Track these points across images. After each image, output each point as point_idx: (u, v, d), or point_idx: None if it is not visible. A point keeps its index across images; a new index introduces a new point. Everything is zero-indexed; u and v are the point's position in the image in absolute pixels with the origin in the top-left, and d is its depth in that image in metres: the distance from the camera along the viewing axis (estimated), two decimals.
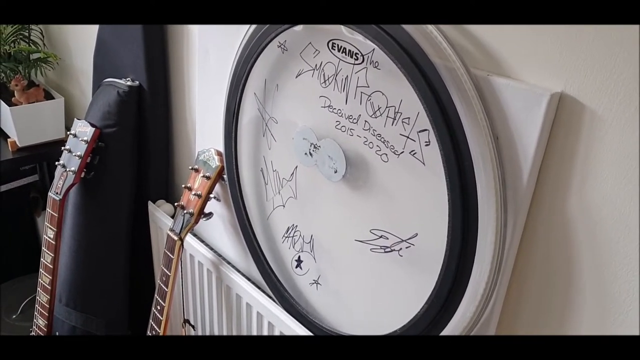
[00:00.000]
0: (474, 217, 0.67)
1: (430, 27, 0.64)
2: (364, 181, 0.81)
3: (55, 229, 1.26)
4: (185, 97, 1.24)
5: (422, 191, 0.73)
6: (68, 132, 1.26)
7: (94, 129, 1.22)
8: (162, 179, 1.37)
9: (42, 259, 1.30)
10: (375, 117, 0.76)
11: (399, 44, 0.67)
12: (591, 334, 0.66)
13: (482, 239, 0.67)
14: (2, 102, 1.56)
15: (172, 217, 1.24)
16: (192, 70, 1.19)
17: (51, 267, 1.28)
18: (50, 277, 1.29)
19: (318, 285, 0.95)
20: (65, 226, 1.33)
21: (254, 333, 1.07)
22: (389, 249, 0.80)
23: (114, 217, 1.31)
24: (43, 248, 1.28)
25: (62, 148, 1.26)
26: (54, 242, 1.26)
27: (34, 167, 1.86)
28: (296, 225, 0.96)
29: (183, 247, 1.06)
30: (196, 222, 1.05)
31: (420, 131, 0.71)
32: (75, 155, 1.22)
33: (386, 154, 0.76)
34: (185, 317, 1.30)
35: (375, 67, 0.74)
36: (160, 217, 1.27)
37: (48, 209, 1.26)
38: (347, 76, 0.78)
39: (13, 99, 1.57)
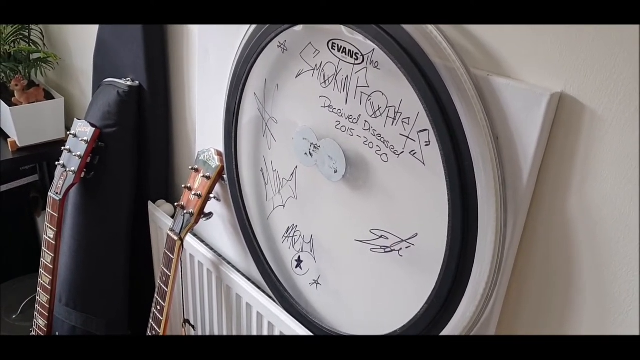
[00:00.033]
0: (474, 217, 0.67)
1: (430, 27, 0.64)
2: (364, 181, 0.81)
3: (55, 229, 1.26)
4: (185, 97, 1.24)
5: (422, 191, 0.73)
6: (68, 132, 1.26)
7: (94, 129, 1.22)
8: (162, 179, 1.37)
9: (42, 259, 1.30)
10: (375, 117, 0.76)
11: (399, 44, 0.67)
12: (591, 334, 0.66)
13: (482, 239, 0.67)
14: (2, 102, 1.56)
15: (172, 217, 1.24)
16: (192, 70, 1.19)
17: (51, 267, 1.28)
18: (50, 277, 1.29)
19: (318, 285, 0.95)
20: (65, 226, 1.33)
21: (254, 333, 1.07)
22: (389, 249, 0.80)
23: (114, 217, 1.31)
24: (43, 248, 1.28)
25: (62, 148, 1.26)
26: (54, 242, 1.26)
27: (34, 167, 1.86)
28: (296, 225, 0.96)
29: (183, 247, 1.06)
30: (196, 222, 1.05)
31: (420, 131, 0.71)
32: (75, 155, 1.22)
33: (386, 154, 0.76)
34: (185, 317, 1.30)
35: (375, 67, 0.74)
36: (160, 217, 1.27)
37: (48, 209, 1.26)
38: (347, 76, 0.78)
39: (13, 99, 1.57)
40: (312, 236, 0.93)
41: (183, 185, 1.07)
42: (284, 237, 0.99)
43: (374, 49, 0.73)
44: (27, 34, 1.71)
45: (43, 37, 1.77)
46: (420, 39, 0.65)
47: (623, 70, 0.55)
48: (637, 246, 0.59)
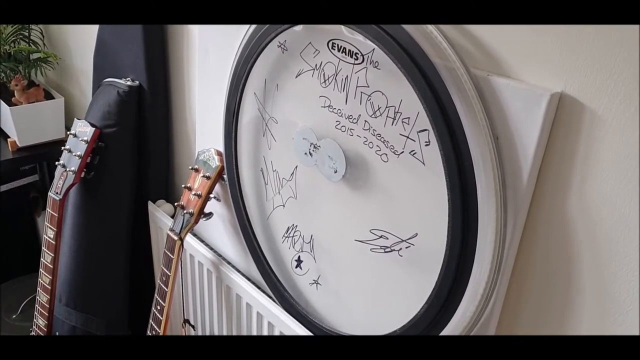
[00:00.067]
0: (474, 217, 0.67)
1: (430, 27, 0.64)
2: (364, 181, 0.81)
3: (55, 229, 1.26)
4: (185, 97, 1.24)
5: (422, 191, 0.73)
6: (68, 132, 1.26)
7: (94, 129, 1.22)
8: (162, 179, 1.37)
9: (42, 259, 1.30)
10: (375, 117, 0.76)
11: (399, 44, 0.67)
12: (591, 334, 0.66)
13: (482, 239, 0.67)
14: (2, 102, 1.56)
15: (172, 217, 1.24)
16: (192, 70, 1.19)
17: (51, 267, 1.28)
18: (50, 277, 1.29)
19: (318, 285, 0.95)
20: (65, 226, 1.33)
21: (254, 333, 1.07)
22: (389, 249, 0.80)
23: (114, 217, 1.32)
24: (43, 248, 1.28)
25: (62, 148, 1.26)
26: (54, 242, 1.26)
27: (34, 167, 1.86)
28: (296, 225, 0.96)
29: (183, 247, 1.06)
30: (196, 222, 1.05)
31: (420, 131, 0.71)
32: (75, 155, 1.22)
33: (386, 154, 0.76)
34: (185, 317, 1.30)
35: (375, 67, 0.74)
36: (160, 217, 1.27)
37: (48, 209, 1.26)
38: (347, 76, 0.78)
39: (13, 99, 1.57)
40: (312, 236, 0.93)
41: (183, 185, 1.07)
42: (284, 237, 0.99)
43: (374, 49, 0.73)
44: (27, 34, 1.71)
45: (43, 37, 1.77)
46: (420, 39, 0.65)
47: (623, 70, 0.55)
48: (637, 246, 0.59)
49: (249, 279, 1.08)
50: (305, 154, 0.89)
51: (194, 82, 1.19)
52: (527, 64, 0.62)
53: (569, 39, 0.58)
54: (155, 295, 1.12)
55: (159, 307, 1.11)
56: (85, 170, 1.23)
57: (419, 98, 0.67)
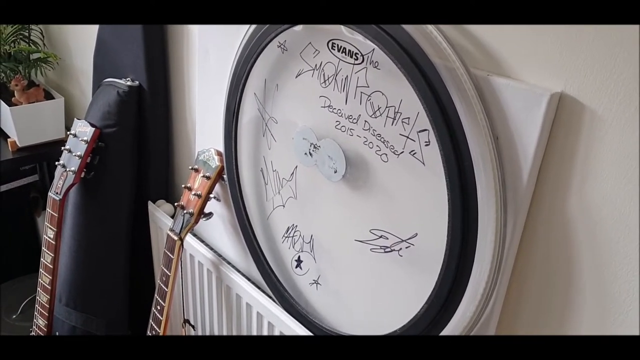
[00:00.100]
0: (474, 217, 0.67)
1: (430, 27, 0.64)
2: (363, 181, 0.81)
3: (55, 229, 1.26)
4: (185, 97, 1.24)
5: (422, 191, 0.73)
6: (68, 132, 1.26)
7: (94, 129, 1.22)
8: (162, 179, 1.37)
9: (42, 259, 1.30)
10: (375, 117, 0.76)
11: (399, 44, 0.67)
12: (591, 334, 0.66)
13: (482, 238, 0.67)
14: (2, 102, 1.56)
15: (172, 217, 1.24)
16: (192, 70, 1.19)
17: (51, 267, 1.28)
18: (50, 277, 1.29)
19: (318, 285, 0.95)
20: (65, 226, 1.33)
21: (254, 333, 1.07)
22: (388, 249, 0.80)
23: (114, 217, 1.32)
24: (43, 248, 1.28)
25: (62, 148, 1.26)
26: (54, 242, 1.26)
27: (34, 167, 1.86)
28: (296, 225, 0.96)
29: (183, 247, 1.06)
30: (196, 222, 1.05)
31: (420, 131, 0.71)
32: (75, 155, 1.22)
33: (386, 154, 0.76)
34: (185, 317, 1.30)
35: (375, 67, 0.74)
36: (160, 217, 1.27)
37: (48, 209, 1.26)
38: (347, 76, 0.78)
39: (13, 99, 1.57)
40: (312, 236, 0.93)
41: (183, 185, 1.07)
42: (284, 237, 0.99)
43: (374, 49, 0.73)
44: (27, 34, 1.71)
45: (43, 37, 1.77)
46: (420, 39, 0.65)
47: (623, 70, 0.55)
48: (637, 246, 0.59)
49: (249, 279, 1.08)
50: (305, 154, 0.89)
51: (194, 82, 1.19)
52: (527, 64, 0.62)
53: (569, 39, 0.58)
54: (155, 295, 1.12)
55: (159, 307, 1.11)
56: (85, 170, 1.23)
57: (419, 98, 0.67)
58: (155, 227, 1.31)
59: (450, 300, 0.72)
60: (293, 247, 0.98)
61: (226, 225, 1.14)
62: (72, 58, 1.71)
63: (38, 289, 1.33)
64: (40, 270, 1.30)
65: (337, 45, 0.78)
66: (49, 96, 1.63)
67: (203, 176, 1.05)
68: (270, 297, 1.03)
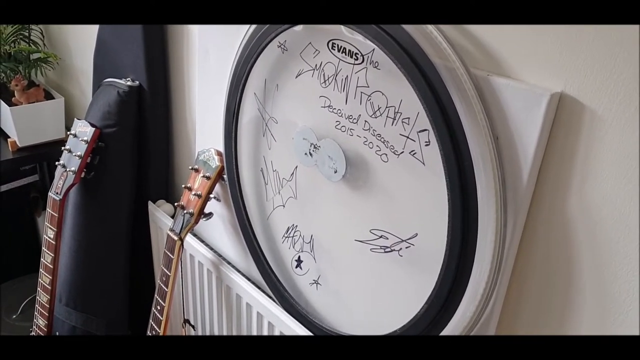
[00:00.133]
0: (474, 217, 0.67)
1: (430, 27, 0.64)
2: (364, 181, 0.81)
3: (55, 229, 1.26)
4: (185, 97, 1.24)
5: (422, 191, 0.73)
6: (68, 132, 1.26)
7: (94, 129, 1.22)
8: (162, 179, 1.37)
9: (42, 259, 1.30)
10: (375, 117, 0.76)
11: (399, 44, 0.67)
12: (591, 334, 0.66)
13: (482, 239, 0.67)
14: (2, 102, 1.56)
15: (172, 217, 1.24)
16: (192, 70, 1.19)
17: (51, 267, 1.28)
18: (51, 277, 1.29)
19: (318, 285, 0.95)
20: (66, 226, 1.33)
21: (254, 333, 1.07)
22: (389, 249, 0.80)
23: (114, 217, 1.32)
24: (43, 248, 1.28)
25: (62, 148, 1.26)
26: (54, 242, 1.26)
27: (34, 167, 1.86)
28: (296, 225, 0.96)
29: (183, 247, 1.06)
30: (196, 222, 1.05)
31: (420, 131, 0.71)
32: (75, 155, 1.22)
33: (386, 154, 0.76)
34: (185, 317, 1.30)
35: (375, 67, 0.74)
36: (160, 217, 1.27)
37: (48, 209, 1.26)
38: (347, 76, 0.78)
39: (13, 99, 1.57)
40: (312, 236, 0.93)
41: (183, 185, 1.07)
42: (284, 237, 0.99)
43: (374, 49, 0.73)
44: (27, 34, 1.71)
45: (43, 37, 1.77)
46: (420, 39, 0.65)
47: (623, 70, 0.55)
48: (637, 246, 0.59)
49: (249, 279, 1.08)
50: (305, 154, 0.89)
51: (194, 82, 1.19)
52: (527, 64, 0.62)
53: (569, 39, 0.58)
54: (155, 295, 1.12)
55: (159, 307, 1.11)
56: (85, 170, 1.23)
57: (419, 98, 0.67)
58: (155, 227, 1.31)
59: (450, 300, 0.72)
60: (293, 247, 0.98)
61: (226, 225, 1.14)
62: (72, 58, 1.71)
63: (38, 289, 1.33)
64: (41, 270, 1.30)
65: (337, 45, 0.78)
66: (49, 96, 1.63)
67: (203, 176, 1.05)
68: (270, 297, 1.03)
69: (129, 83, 1.24)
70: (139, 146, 1.30)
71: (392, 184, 0.77)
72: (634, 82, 0.55)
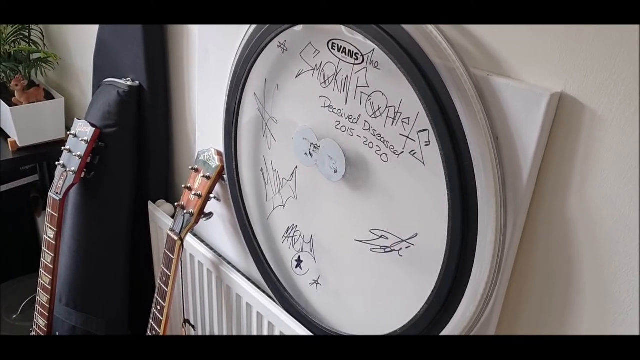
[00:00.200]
0: (474, 217, 0.67)
1: (430, 27, 0.64)
2: (364, 181, 0.81)
3: (55, 229, 1.26)
4: (185, 97, 1.24)
5: (422, 191, 0.73)
6: (68, 132, 1.26)
7: (94, 129, 1.22)
8: (162, 179, 1.37)
9: (42, 259, 1.30)
10: (375, 117, 0.76)
11: (399, 44, 0.67)
12: (591, 334, 0.66)
13: (482, 239, 0.67)
14: (2, 102, 1.56)
15: (172, 217, 1.24)
16: (192, 70, 1.19)
17: (51, 267, 1.28)
18: (51, 277, 1.29)
19: (318, 285, 0.95)
20: (66, 226, 1.33)
21: (254, 333, 1.07)
22: (389, 249, 0.80)
23: (114, 217, 1.32)
24: (43, 248, 1.29)
25: (62, 148, 1.26)
26: (54, 242, 1.26)
27: (34, 167, 1.86)
28: (296, 225, 0.96)
29: (183, 247, 1.06)
30: (196, 222, 1.05)
31: (420, 131, 0.71)
32: (75, 155, 1.22)
33: (386, 154, 0.76)
34: (185, 317, 1.30)
35: (375, 67, 0.74)
36: (161, 217, 1.27)
37: (48, 209, 1.26)
38: (347, 76, 0.78)
39: (13, 99, 1.57)
40: (312, 236, 0.93)
41: (183, 185, 1.07)
42: (284, 237, 0.99)
43: (374, 49, 0.73)
44: (27, 34, 1.71)
45: (43, 37, 1.77)
46: (420, 39, 0.65)
47: (623, 70, 0.55)
48: (637, 246, 0.59)
49: (249, 279, 1.08)
50: (305, 154, 0.89)
51: (194, 82, 1.19)
52: (527, 64, 0.62)
53: (569, 39, 0.58)
54: (156, 295, 1.12)
55: (159, 307, 1.11)
56: (85, 170, 1.23)
57: (419, 98, 0.67)
58: (156, 227, 1.31)
59: (451, 300, 0.72)
60: (293, 247, 0.98)
61: (226, 225, 1.14)
62: (72, 58, 1.71)
63: (38, 289, 1.33)
64: (41, 270, 1.30)
65: (337, 45, 0.78)
66: (49, 96, 1.63)
67: (203, 176, 1.05)
68: (270, 297, 1.03)
69: (129, 83, 1.24)
70: (139, 146, 1.30)
71: (392, 184, 0.77)
72: (634, 82, 0.55)
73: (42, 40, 1.76)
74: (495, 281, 0.68)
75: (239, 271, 1.11)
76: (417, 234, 0.76)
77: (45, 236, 1.28)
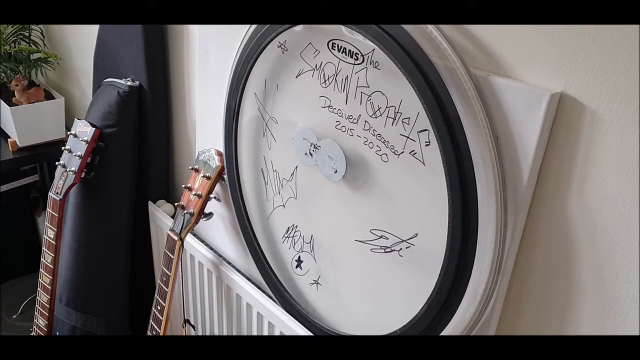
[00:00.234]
0: (474, 217, 0.67)
1: (430, 27, 0.64)
2: (364, 181, 0.81)
3: (55, 229, 1.26)
4: (185, 97, 1.24)
5: (422, 191, 0.73)
6: (68, 132, 1.26)
7: (94, 129, 1.22)
8: (162, 179, 1.37)
9: (42, 259, 1.30)
10: (375, 117, 0.76)
11: (399, 44, 0.67)
12: (591, 334, 0.66)
13: (482, 239, 0.67)
14: (2, 102, 1.56)
15: (173, 217, 1.24)
16: (192, 70, 1.19)
17: (51, 267, 1.28)
18: (51, 277, 1.29)
19: (318, 285, 0.95)
20: (66, 226, 1.33)
21: (254, 333, 1.07)
22: (389, 249, 0.80)
23: (114, 217, 1.32)
24: (43, 248, 1.29)
25: (63, 148, 1.26)
26: (54, 242, 1.26)
27: (34, 167, 1.86)
28: (296, 226, 0.96)
29: (183, 247, 1.06)
30: (196, 222, 1.05)
31: (420, 131, 0.71)
32: (75, 155, 1.22)
33: (386, 154, 0.76)
34: (186, 317, 1.30)
35: (375, 67, 0.74)
36: (161, 217, 1.27)
37: (48, 209, 1.26)
38: (347, 76, 0.78)
39: (13, 99, 1.57)
40: (312, 236, 0.93)
41: (183, 185, 1.07)
42: (284, 237, 0.99)
43: (374, 49, 0.73)
44: (27, 34, 1.71)
45: (43, 37, 1.77)
46: (420, 39, 0.65)
47: (623, 70, 0.55)
48: (637, 246, 0.59)
49: (249, 279, 1.08)
50: (306, 154, 0.89)
51: (194, 82, 1.19)
52: (527, 64, 0.62)
53: (569, 39, 0.58)
54: (156, 295, 1.12)
55: (159, 307, 1.11)
56: (85, 170, 1.23)
57: (419, 98, 0.67)
58: (156, 227, 1.31)
59: (451, 300, 0.72)
60: (293, 247, 0.98)
61: (226, 226, 1.14)
62: (72, 58, 1.71)
63: (38, 289, 1.33)
64: (41, 270, 1.31)
65: (337, 45, 0.78)
66: (49, 96, 1.63)
67: (203, 176, 1.05)
68: (270, 297, 1.03)
69: (129, 83, 1.24)
70: (139, 146, 1.30)
71: (392, 184, 0.77)
72: (634, 82, 0.55)
73: (42, 40, 1.76)
74: (495, 281, 0.68)
75: (239, 271, 1.11)
76: (417, 234, 0.76)
77: (45, 236, 1.28)
